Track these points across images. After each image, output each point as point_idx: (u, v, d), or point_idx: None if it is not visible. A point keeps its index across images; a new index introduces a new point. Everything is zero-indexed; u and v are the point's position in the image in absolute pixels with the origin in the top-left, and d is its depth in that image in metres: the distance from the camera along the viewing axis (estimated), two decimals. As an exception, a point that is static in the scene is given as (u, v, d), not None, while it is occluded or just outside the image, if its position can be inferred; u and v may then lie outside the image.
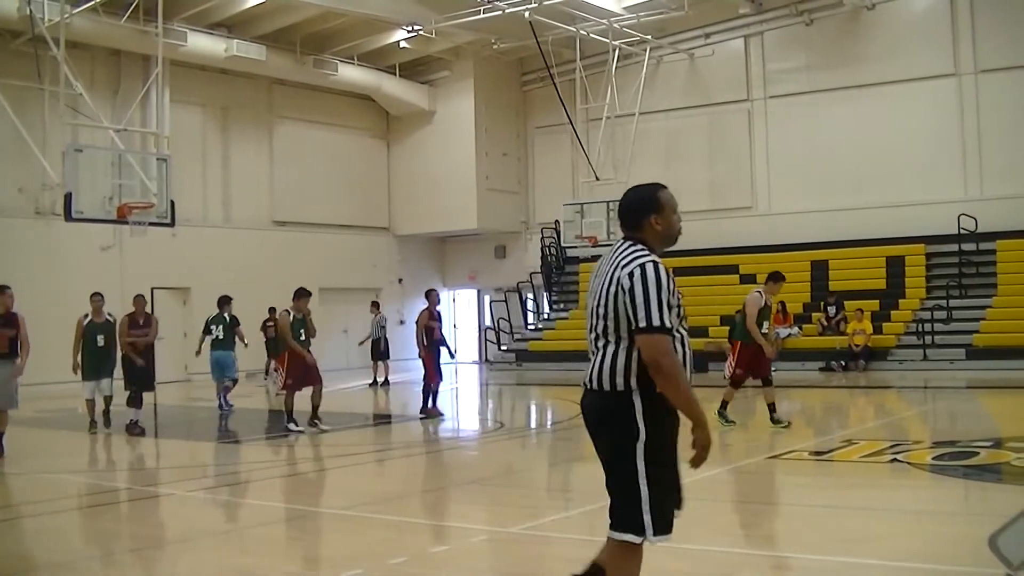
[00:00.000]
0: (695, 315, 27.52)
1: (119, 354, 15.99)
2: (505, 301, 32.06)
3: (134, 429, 15.28)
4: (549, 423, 18.07)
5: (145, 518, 9.50)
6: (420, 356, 17.20)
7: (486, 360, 33.21)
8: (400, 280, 34.64)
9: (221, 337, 19.87)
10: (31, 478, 11.83)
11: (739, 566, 7.00)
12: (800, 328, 26.20)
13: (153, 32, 22.12)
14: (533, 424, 18.42)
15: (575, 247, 29.62)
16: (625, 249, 5.06)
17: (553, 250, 32.73)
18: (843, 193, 27.84)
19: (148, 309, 17.09)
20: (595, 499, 9.68)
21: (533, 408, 21.16)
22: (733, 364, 14.15)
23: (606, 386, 4.78)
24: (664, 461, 4.75)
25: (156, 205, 19.97)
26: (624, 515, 4.80)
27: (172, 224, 20.84)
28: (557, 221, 30.65)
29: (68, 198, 18.84)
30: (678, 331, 4.84)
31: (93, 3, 22.41)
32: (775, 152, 29.55)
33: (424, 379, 17.10)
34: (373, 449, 13.69)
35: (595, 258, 30.40)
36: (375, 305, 26.73)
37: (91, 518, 9.58)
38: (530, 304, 33.26)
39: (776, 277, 14.38)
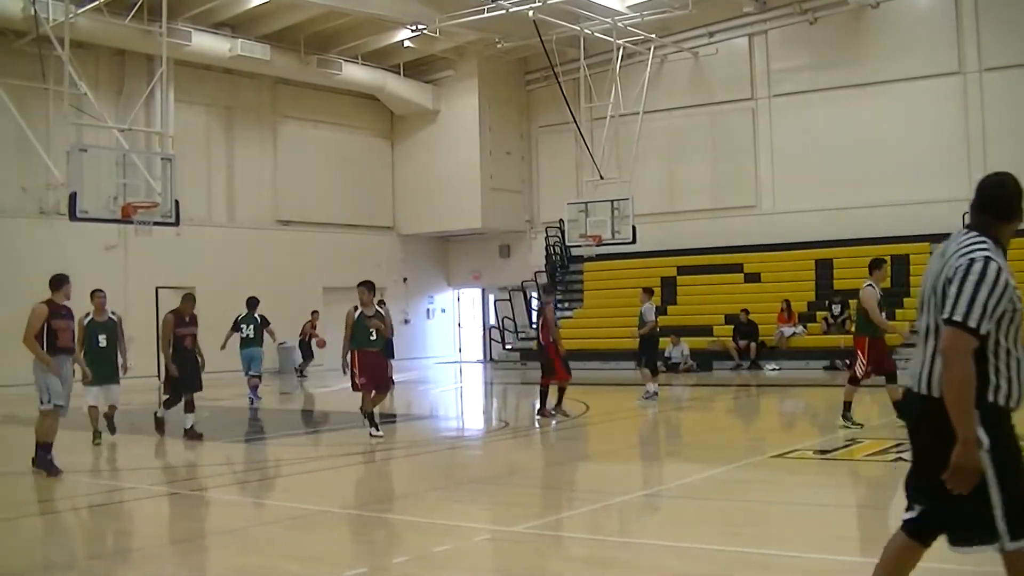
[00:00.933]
0: (699, 314, 27.58)
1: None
2: (509, 300, 32.07)
3: (193, 434, 14.41)
4: (553, 422, 18.05)
5: (146, 518, 9.50)
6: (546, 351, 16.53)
7: (490, 359, 33.24)
8: (404, 279, 34.65)
9: (251, 336, 20.74)
10: (33, 478, 11.84)
11: (742, 565, 6.98)
12: (804, 327, 26.17)
13: (157, 32, 22.17)
14: (537, 423, 18.40)
15: (579, 246, 29.62)
16: (967, 239, 4.58)
17: (557, 249, 32.72)
18: (847, 191, 27.81)
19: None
20: (598, 498, 9.71)
21: (537, 407, 21.11)
22: (864, 362, 13.64)
23: (923, 390, 4.52)
24: (1010, 463, 4.29)
25: (160, 205, 20.01)
26: (974, 525, 4.39)
27: (176, 224, 20.88)
28: (561, 220, 30.63)
29: (72, 198, 18.87)
30: (1008, 348, 4.31)
31: (97, 3, 22.47)
32: (779, 151, 29.52)
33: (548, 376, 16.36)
34: (376, 448, 13.68)
35: (599, 257, 30.66)
36: (381, 304, 26.58)
37: (90, 518, 9.58)
38: (534, 303, 33.25)
39: (877, 264, 14.03)
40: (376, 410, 14.25)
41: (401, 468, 12.72)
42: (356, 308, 14.22)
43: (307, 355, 28.56)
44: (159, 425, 14.94)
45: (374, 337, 14.15)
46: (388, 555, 7.41)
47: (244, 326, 20.85)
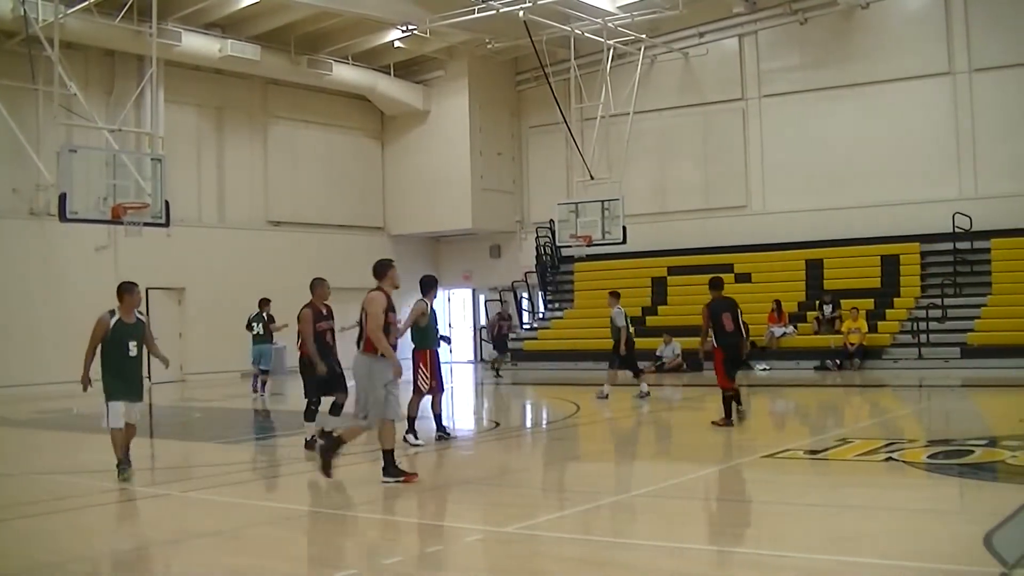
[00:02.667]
0: (690, 314, 27.55)
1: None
2: (500, 301, 32.07)
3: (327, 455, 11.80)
4: (544, 422, 18.05)
5: (141, 519, 9.49)
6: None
7: (481, 359, 33.23)
8: (395, 280, 34.57)
9: (261, 333, 22.40)
10: (28, 479, 11.81)
11: (733, 565, 7.00)
12: (795, 327, 26.21)
13: (147, 32, 22.12)
14: (528, 424, 18.40)
15: (570, 246, 29.63)
16: None
17: (548, 249, 32.73)
18: (837, 192, 27.88)
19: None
20: (590, 499, 9.71)
21: (528, 407, 21.14)
22: None
23: None
24: None
25: (151, 205, 19.99)
26: None
27: (167, 224, 20.86)
28: (552, 220, 30.63)
29: (62, 199, 18.82)
30: None
31: (87, 3, 22.41)
32: (769, 151, 29.58)
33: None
34: (368, 449, 13.66)
35: (590, 257, 30.68)
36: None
37: (85, 519, 9.56)
38: (525, 304, 33.28)
39: None
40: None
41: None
42: (426, 304, 13.60)
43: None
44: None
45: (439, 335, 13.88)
46: (380, 555, 7.41)
47: (255, 324, 22.43)
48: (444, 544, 7.76)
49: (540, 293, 33.06)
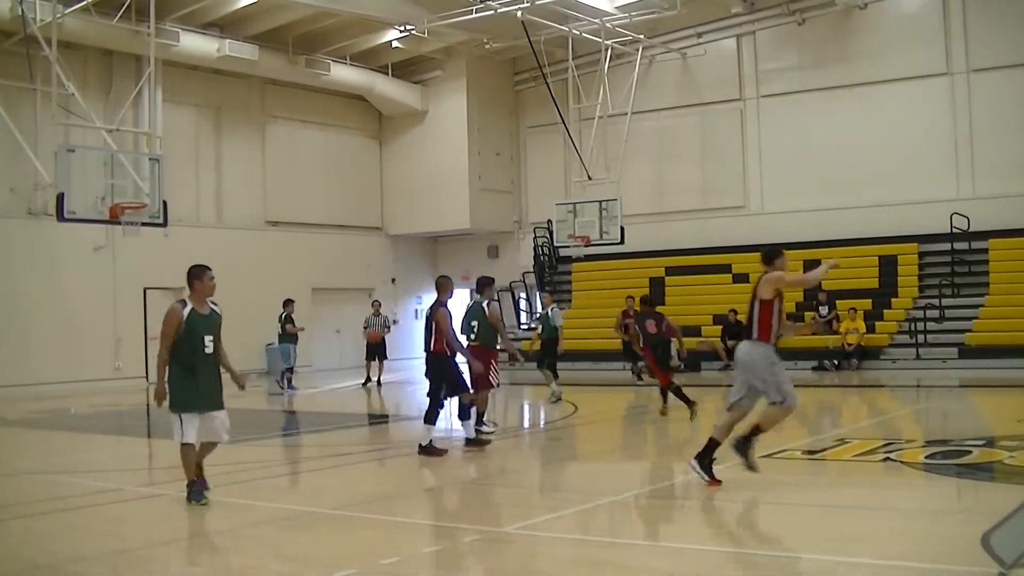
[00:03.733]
0: (687, 314, 27.59)
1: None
2: (498, 301, 32.00)
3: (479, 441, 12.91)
4: (542, 423, 18.05)
5: (137, 519, 9.47)
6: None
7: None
8: (393, 280, 34.63)
9: (282, 332, 23.94)
10: (24, 479, 11.80)
11: (730, 565, 7.00)
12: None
13: (145, 32, 22.12)
14: (526, 424, 18.40)
15: (568, 247, 29.64)
16: None
17: (546, 250, 32.73)
18: (835, 192, 27.89)
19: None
20: (588, 499, 9.71)
21: (526, 408, 21.13)
22: None
23: None
24: None
25: (149, 205, 19.99)
26: None
27: (165, 224, 20.88)
28: (550, 221, 30.62)
29: (60, 198, 18.82)
30: None
31: (85, 3, 22.40)
32: (767, 151, 29.58)
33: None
34: (366, 449, 13.67)
35: (588, 258, 30.70)
36: (377, 304, 26.46)
37: (82, 519, 9.55)
38: (523, 304, 33.26)
39: None
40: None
41: (391, 469, 12.71)
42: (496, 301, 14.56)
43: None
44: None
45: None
46: (378, 556, 7.40)
47: (289, 324, 23.82)
48: (443, 544, 7.76)
49: (538, 293, 33.03)
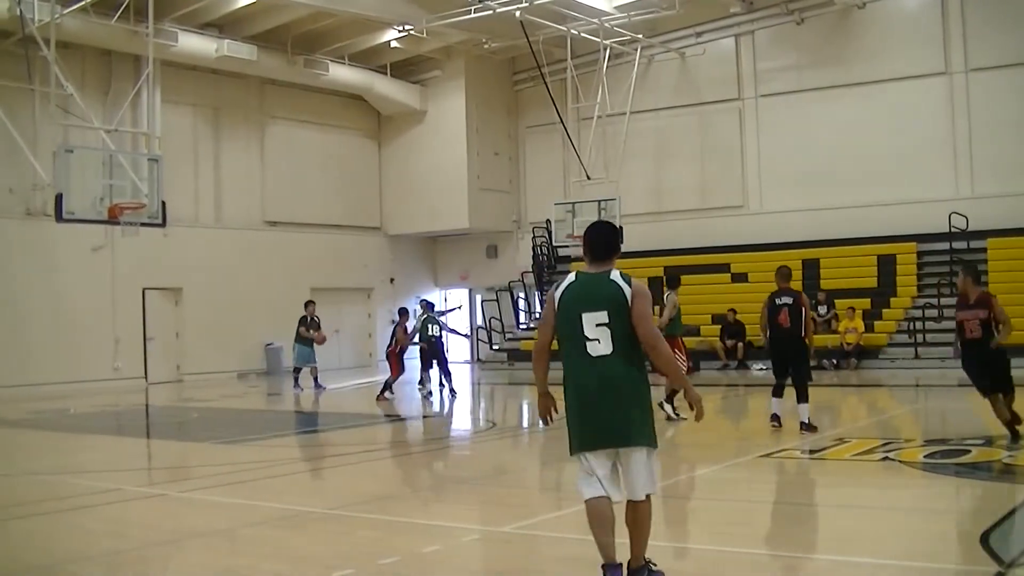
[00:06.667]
0: (686, 314, 27.50)
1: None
2: (497, 300, 32.07)
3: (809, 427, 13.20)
4: (540, 422, 18.05)
5: (135, 519, 9.47)
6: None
7: (478, 359, 33.23)
8: (392, 280, 34.63)
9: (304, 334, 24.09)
10: (22, 479, 11.80)
11: (730, 564, 7.00)
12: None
13: (144, 32, 22.11)
14: (525, 423, 18.40)
15: (566, 246, 29.66)
16: None
17: (544, 249, 32.73)
18: (834, 192, 27.89)
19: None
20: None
21: (525, 407, 21.13)
22: None
23: None
24: None
25: (147, 205, 19.97)
26: None
27: (163, 224, 20.87)
28: (548, 220, 30.64)
29: (59, 199, 18.81)
30: None
31: (83, 3, 22.40)
32: (766, 151, 29.59)
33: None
34: (365, 449, 13.67)
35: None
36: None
37: (80, 519, 9.55)
38: (522, 303, 33.26)
39: None
40: None
41: (389, 469, 12.72)
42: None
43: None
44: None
45: None
46: (376, 556, 7.40)
47: (302, 326, 24.07)
48: (441, 544, 7.76)
49: (537, 293, 33.04)
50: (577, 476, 6.35)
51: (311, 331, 23.90)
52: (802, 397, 13.12)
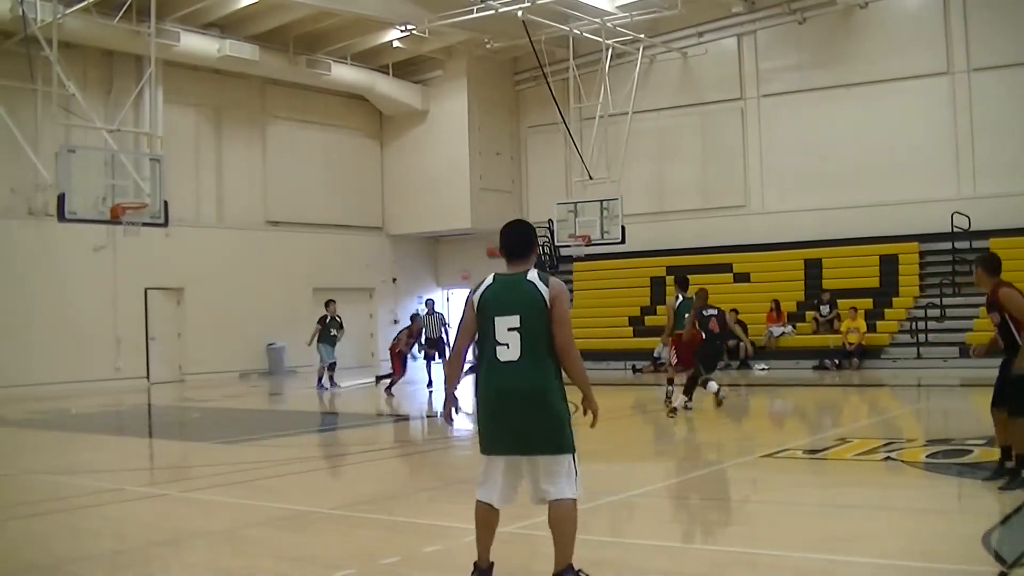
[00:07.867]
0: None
1: None
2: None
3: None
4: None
5: (136, 519, 9.47)
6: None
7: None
8: (394, 280, 34.64)
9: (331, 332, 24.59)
10: (23, 479, 11.80)
11: (731, 564, 6.99)
12: (794, 327, 26.22)
13: (146, 32, 22.13)
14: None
15: (569, 246, 29.63)
16: None
17: (546, 249, 32.71)
18: (836, 191, 27.88)
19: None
20: (588, 498, 9.64)
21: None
22: None
23: None
24: None
25: (149, 205, 19.99)
26: None
27: (165, 224, 20.88)
28: (550, 220, 30.61)
29: (61, 199, 18.83)
30: None
31: (85, 3, 22.41)
32: (768, 151, 29.58)
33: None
34: (366, 449, 13.67)
35: (589, 257, 30.68)
36: (431, 303, 25.80)
37: (81, 519, 9.55)
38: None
39: None
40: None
41: (390, 468, 12.71)
42: (677, 297, 16.51)
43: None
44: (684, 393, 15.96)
45: None
46: (377, 555, 7.40)
47: (320, 324, 24.60)
48: (442, 544, 7.75)
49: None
50: (478, 473, 6.49)
51: (333, 331, 24.52)
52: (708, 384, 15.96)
